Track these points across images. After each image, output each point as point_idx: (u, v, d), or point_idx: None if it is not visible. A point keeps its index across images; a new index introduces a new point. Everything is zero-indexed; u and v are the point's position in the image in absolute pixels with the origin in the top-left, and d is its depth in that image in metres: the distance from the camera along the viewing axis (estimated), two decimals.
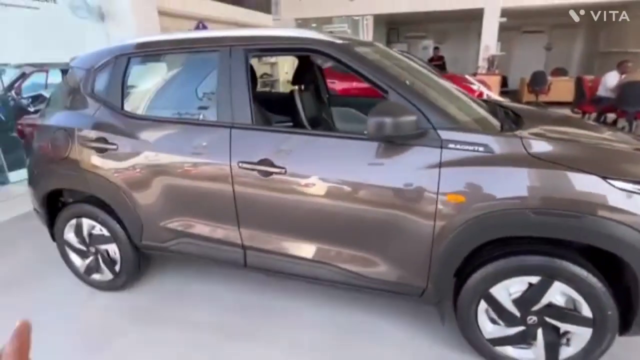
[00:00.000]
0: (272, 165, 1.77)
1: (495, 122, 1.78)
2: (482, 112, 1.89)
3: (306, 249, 1.89)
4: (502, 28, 9.91)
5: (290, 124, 2.75)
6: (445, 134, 1.56)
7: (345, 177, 1.70)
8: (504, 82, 11.08)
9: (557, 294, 1.55)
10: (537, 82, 9.55)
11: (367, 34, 11.91)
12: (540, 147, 1.51)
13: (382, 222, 1.68)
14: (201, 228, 2.05)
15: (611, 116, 6.62)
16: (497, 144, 1.52)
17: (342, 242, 1.82)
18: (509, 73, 12.32)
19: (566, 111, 7.54)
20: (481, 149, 1.52)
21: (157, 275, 2.63)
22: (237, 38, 1.94)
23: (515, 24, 11.74)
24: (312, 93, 2.97)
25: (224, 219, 1.98)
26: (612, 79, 6.45)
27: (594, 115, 6.64)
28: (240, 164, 1.83)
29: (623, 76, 6.35)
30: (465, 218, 1.53)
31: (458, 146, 1.54)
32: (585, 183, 1.41)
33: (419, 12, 10.36)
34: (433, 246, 1.62)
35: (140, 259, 2.37)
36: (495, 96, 5.45)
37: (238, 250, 2.01)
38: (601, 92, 6.56)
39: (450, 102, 1.84)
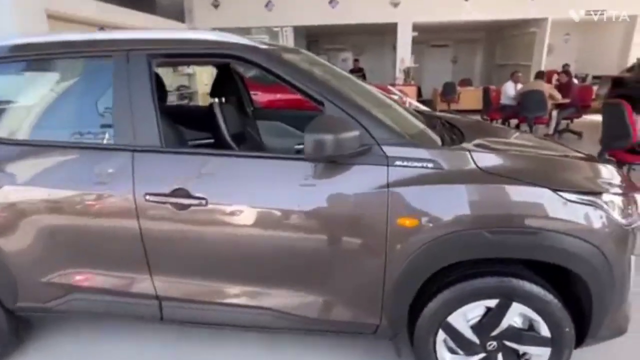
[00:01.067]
0: (189, 195, 1.44)
1: (435, 136, 1.67)
2: (421, 125, 1.78)
3: (237, 294, 1.58)
4: (414, 41, 10.53)
5: (211, 141, 2.42)
6: (390, 150, 1.38)
7: (279, 204, 1.44)
8: (419, 92, 11.77)
9: (516, 315, 1.45)
10: (448, 91, 10.30)
11: (287, 45, 11.82)
12: (489, 160, 1.41)
13: (325, 254, 1.45)
14: (100, 279, 1.62)
15: (514, 121, 7.31)
16: (445, 159, 1.39)
17: (281, 282, 1.54)
18: (422, 84, 13.16)
19: (477, 118, 8.20)
20: (430, 165, 1.38)
21: (52, 335, 2.08)
22: (138, 41, 1.58)
23: (425, 37, 12.61)
24: (235, 106, 2.67)
25: (129, 266, 1.58)
26: (509, 88, 7.17)
27: (499, 121, 7.25)
28: (147, 197, 1.46)
29: (518, 85, 7.09)
30: (419, 243, 1.37)
31: (405, 163, 1.38)
32: (538, 197, 1.33)
33: (337, 25, 10.56)
34: (385, 277, 1.43)
35: (17, 325, 1.83)
36: (416, 103, 5.62)
37: (151, 302, 1.62)
38: (503, 100, 7.23)
39: (389, 115, 1.68)
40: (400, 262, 1.39)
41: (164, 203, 1.45)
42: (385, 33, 12.36)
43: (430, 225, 1.35)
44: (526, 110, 6.28)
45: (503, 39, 12.49)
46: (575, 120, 7.28)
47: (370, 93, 1.98)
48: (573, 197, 1.33)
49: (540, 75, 6.94)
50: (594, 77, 10.65)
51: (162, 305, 1.62)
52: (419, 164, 1.38)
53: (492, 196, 1.35)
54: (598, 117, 8.38)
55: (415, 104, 6.00)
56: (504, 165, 1.41)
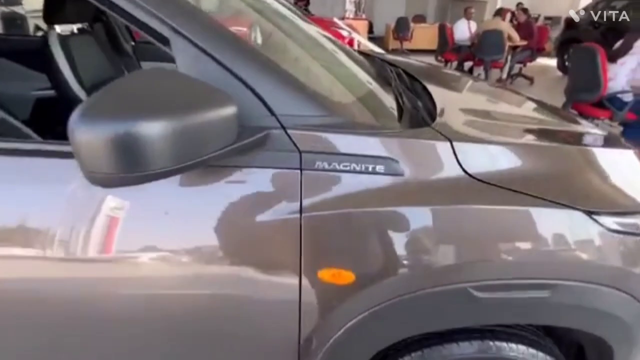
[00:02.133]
0: None
1: (390, 103, 1.00)
2: (368, 80, 1.09)
3: None
4: None
5: (51, 93, 1.58)
6: (306, 140, 0.71)
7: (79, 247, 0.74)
8: (370, 28, 10.79)
9: None
10: (402, 28, 9.49)
11: None
12: (483, 157, 0.78)
13: (189, 329, 0.81)
14: None
15: (468, 64, 6.81)
16: (409, 157, 0.74)
17: None
18: (374, 19, 12.11)
19: (430, 59, 7.58)
20: (381, 167, 0.73)
21: None
22: None
23: None
24: (100, 39, 1.78)
25: None
26: (462, 26, 6.55)
27: (455, 63, 6.71)
28: None
29: (471, 23, 6.49)
30: (355, 312, 0.76)
31: (334, 164, 0.72)
32: (564, 225, 0.75)
33: None
34: None
35: None
36: (367, 43, 4.83)
37: None
38: (456, 40, 6.63)
39: (314, 66, 0.97)
40: (322, 343, 0.79)
41: None
42: None
43: (378, 282, 0.74)
44: (483, 52, 5.73)
45: None
46: (529, 64, 6.93)
47: (290, 25, 1.23)
48: (613, 222, 0.77)
49: (499, 12, 6.34)
50: (546, 18, 10.31)
51: None
52: (361, 166, 0.72)
53: (489, 226, 0.74)
54: (550, 61, 8.23)
55: (366, 42, 5.20)
56: (508, 166, 0.78)
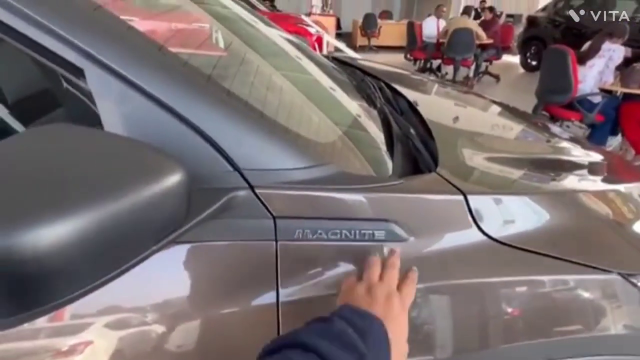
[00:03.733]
0: None
1: (380, 133, 0.83)
2: (351, 107, 0.91)
3: None
4: None
5: None
6: (280, 201, 0.53)
7: None
8: (338, 24, 10.64)
9: None
10: (369, 24, 9.40)
11: None
12: (504, 215, 0.62)
13: None
14: None
15: (436, 62, 6.80)
16: (414, 218, 0.58)
17: None
18: (341, 15, 11.95)
19: (399, 57, 7.53)
20: (381, 233, 0.56)
21: None
22: None
23: None
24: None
25: None
26: (431, 24, 6.53)
27: (422, 61, 6.68)
28: None
29: (440, 21, 6.48)
30: None
31: (321, 232, 0.54)
32: (603, 293, 0.62)
33: None
34: None
35: None
36: (336, 42, 4.66)
37: None
38: (424, 37, 6.60)
39: (287, 93, 0.78)
40: None
41: None
42: None
43: None
44: (453, 50, 5.70)
45: None
46: (494, 61, 7.02)
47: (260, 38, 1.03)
48: None
49: (466, 10, 6.36)
50: (508, 16, 10.54)
51: None
52: (355, 233, 0.55)
53: (520, 303, 0.59)
54: (514, 59, 8.41)
55: (333, 41, 5.03)
56: (534, 223, 0.63)
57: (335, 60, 1.53)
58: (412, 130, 0.83)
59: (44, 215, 0.33)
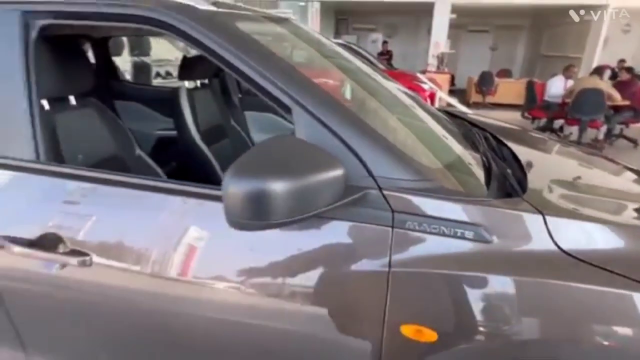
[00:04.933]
0: (57, 245, 0.89)
1: (479, 166, 1.04)
2: (456, 145, 1.14)
3: None
4: (450, 25, 9.55)
5: (173, 133, 1.88)
6: (398, 201, 0.78)
7: (215, 273, 0.88)
8: (452, 81, 10.82)
9: None
10: (485, 82, 9.36)
11: (315, 22, 11.05)
12: (577, 234, 0.78)
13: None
14: None
15: (558, 122, 6.42)
16: (498, 225, 0.77)
17: None
18: (456, 72, 12.13)
19: (516, 115, 7.31)
20: (470, 234, 0.77)
21: None
22: None
23: (462, 22, 11.53)
24: (216, 92, 2.10)
25: None
26: (558, 83, 6.25)
27: (544, 120, 6.39)
28: (4, 240, 0.92)
29: (569, 81, 6.17)
30: None
31: (424, 226, 0.78)
32: None
33: (369, 1, 9.71)
34: None
35: None
36: (448, 98, 4.87)
37: None
38: (548, 97, 6.34)
39: (405, 128, 1.06)
40: None
41: (28, 256, 0.91)
42: (420, 14, 11.35)
43: (459, 345, 0.76)
44: (580, 111, 5.37)
45: (550, 27, 11.25)
46: (632, 125, 6.32)
47: (381, 91, 1.35)
48: None
49: (598, 71, 5.98)
50: None
51: None
52: (450, 230, 0.77)
53: (582, 306, 0.73)
54: None
55: (446, 97, 5.24)
56: (605, 246, 0.77)
57: (446, 112, 1.77)
58: (507, 169, 1.02)
59: (279, 178, 0.65)
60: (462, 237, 0.77)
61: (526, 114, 6.63)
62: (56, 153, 1.11)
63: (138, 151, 1.56)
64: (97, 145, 1.40)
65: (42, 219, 0.92)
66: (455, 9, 9.25)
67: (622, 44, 10.11)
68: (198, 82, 1.97)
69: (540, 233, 0.76)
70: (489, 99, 9.51)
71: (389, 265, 0.77)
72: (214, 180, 1.86)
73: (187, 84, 1.88)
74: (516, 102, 8.81)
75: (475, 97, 9.74)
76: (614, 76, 7.19)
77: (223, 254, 0.87)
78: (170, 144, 2.19)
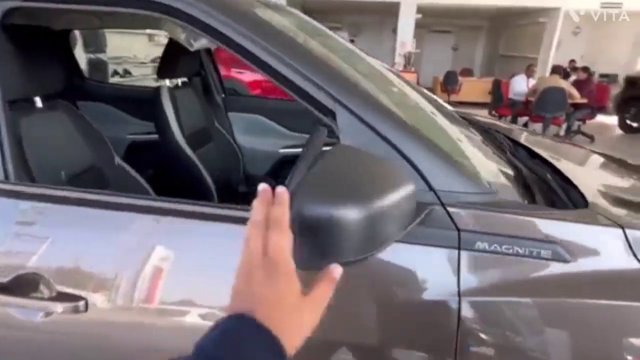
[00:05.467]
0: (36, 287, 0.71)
1: (533, 178, 0.94)
2: (499, 154, 1.05)
3: None
4: (415, 25, 9.71)
5: (154, 137, 1.68)
6: (464, 218, 0.68)
7: None
8: (417, 81, 11.01)
9: None
10: (450, 81, 9.60)
11: None
12: None
13: None
14: None
15: (522, 119, 6.68)
16: (576, 243, 0.69)
17: None
18: (421, 71, 12.38)
19: (483, 112, 7.53)
20: (547, 253, 0.67)
21: None
22: None
23: (426, 22, 11.79)
24: (197, 92, 1.90)
25: None
26: (521, 82, 6.51)
27: (509, 118, 6.61)
28: None
29: (530, 80, 6.44)
30: None
31: (496, 246, 0.67)
32: None
33: (334, 0, 9.66)
34: None
35: None
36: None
37: None
38: (512, 95, 6.57)
39: (451, 136, 0.95)
40: None
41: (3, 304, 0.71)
42: (385, 14, 11.46)
43: None
44: (544, 109, 5.61)
45: (508, 28, 11.76)
46: (588, 121, 6.70)
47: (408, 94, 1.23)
48: None
49: (556, 70, 6.28)
50: (601, 75, 10.08)
51: None
52: (525, 250, 0.67)
53: None
54: (610, 119, 7.93)
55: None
56: None
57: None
58: (554, 180, 0.93)
59: (350, 202, 0.51)
60: (539, 257, 0.67)
61: (493, 112, 6.83)
62: (24, 168, 0.91)
63: (117, 160, 1.35)
64: (72, 156, 1.19)
65: (15, 254, 0.72)
66: (420, 9, 9.41)
67: (572, 45, 10.75)
68: (179, 81, 1.78)
69: (621, 249, 0.68)
70: (453, 98, 9.76)
71: (459, 293, 0.66)
72: (200, 189, 1.68)
73: (168, 82, 1.69)
74: (479, 100, 9.13)
75: (440, 96, 9.93)
76: (565, 76, 7.59)
77: None
78: (144, 149, 1.97)
